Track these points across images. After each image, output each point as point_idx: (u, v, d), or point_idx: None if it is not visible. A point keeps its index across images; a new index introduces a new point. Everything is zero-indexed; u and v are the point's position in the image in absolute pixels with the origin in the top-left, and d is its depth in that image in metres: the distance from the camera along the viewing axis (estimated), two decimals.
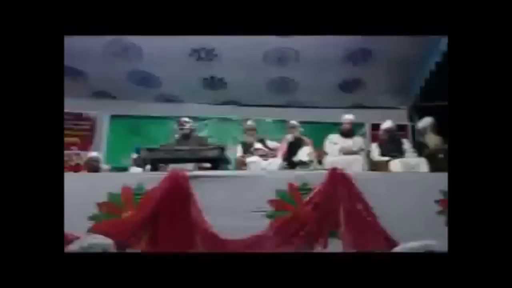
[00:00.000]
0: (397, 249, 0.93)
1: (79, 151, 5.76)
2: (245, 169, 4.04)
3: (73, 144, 5.86)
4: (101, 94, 6.02)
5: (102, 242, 1.23)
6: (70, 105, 5.92)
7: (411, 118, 6.26)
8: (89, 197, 2.91)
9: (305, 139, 4.67)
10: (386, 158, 4.11)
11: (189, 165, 3.47)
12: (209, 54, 5.29)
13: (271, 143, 4.71)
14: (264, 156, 4.37)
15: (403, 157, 4.09)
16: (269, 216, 2.93)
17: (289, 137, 4.59)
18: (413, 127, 6.06)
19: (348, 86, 5.98)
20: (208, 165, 3.67)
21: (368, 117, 6.15)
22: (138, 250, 2.76)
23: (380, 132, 4.70)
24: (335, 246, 2.83)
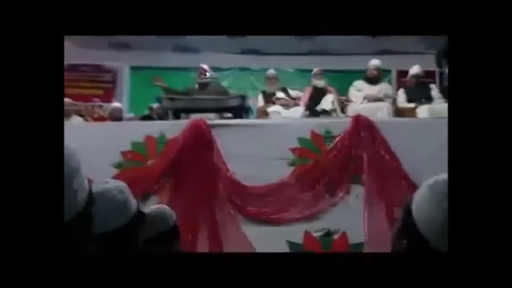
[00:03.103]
0: (420, 188, 0.89)
1: (101, 103, 5.82)
2: (267, 119, 3.99)
3: (96, 96, 5.92)
4: (118, 45, 5.94)
5: (115, 184, 1.22)
6: (89, 57, 5.91)
7: (440, 64, 5.94)
8: (113, 146, 2.96)
9: (329, 87, 4.53)
10: (413, 105, 3.97)
11: (211, 115, 3.44)
12: None
13: (293, 92, 4.60)
14: (286, 105, 4.29)
15: (431, 103, 3.93)
16: (291, 164, 2.91)
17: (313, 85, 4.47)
18: (441, 73, 5.77)
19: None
20: (229, 114, 3.63)
21: (394, 63, 5.88)
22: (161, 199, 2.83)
23: (408, 78, 4.51)
24: (357, 191, 2.82)
